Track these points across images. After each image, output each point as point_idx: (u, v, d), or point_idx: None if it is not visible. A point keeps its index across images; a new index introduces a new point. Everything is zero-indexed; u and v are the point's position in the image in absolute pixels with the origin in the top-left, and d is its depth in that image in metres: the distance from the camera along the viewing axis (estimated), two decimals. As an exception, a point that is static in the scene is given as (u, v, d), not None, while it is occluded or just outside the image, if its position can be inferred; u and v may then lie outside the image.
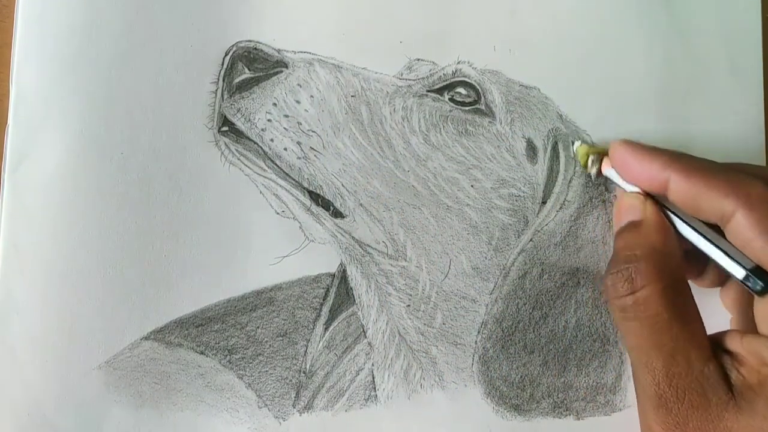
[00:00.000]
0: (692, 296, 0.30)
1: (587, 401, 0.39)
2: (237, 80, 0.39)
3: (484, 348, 0.39)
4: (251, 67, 0.39)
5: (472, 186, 0.39)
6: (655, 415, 0.29)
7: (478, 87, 0.40)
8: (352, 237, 0.39)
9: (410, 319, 0.39)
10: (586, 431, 0.39)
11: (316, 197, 0.39)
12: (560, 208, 0.40)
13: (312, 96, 0.39)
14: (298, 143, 0.39)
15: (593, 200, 0.40)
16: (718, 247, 0.30)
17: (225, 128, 0.39)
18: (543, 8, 0.41)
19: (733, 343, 0.29)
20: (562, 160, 0.40)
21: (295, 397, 0.38)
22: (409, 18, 0.40)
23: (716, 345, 0.30)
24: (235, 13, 0.40)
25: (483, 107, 0.40)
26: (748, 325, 0.31)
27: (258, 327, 0.39)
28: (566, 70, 0.41)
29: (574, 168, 0.40)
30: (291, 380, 0.38)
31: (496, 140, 0.40)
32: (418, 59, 0.40)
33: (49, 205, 0.38)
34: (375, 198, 0.39)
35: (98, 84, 0.38)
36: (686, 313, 0.29)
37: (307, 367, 0.39)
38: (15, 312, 0.37)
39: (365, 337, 0.39)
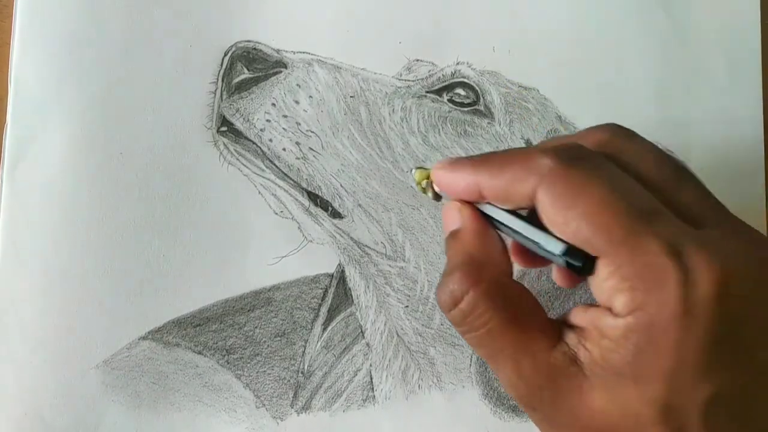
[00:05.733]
0: (526, 291, 0.28)
1: (585, 402, 0.39)
2: (236, 80, 0.39)
3: (482, 349, 0.39)
4: (250, 68, 0.39)
5: (470, 187, 0.39)
6: (530, 416, 0.28)
7: (477, 88, 0.40)
8: (351, 237, 0.39)
9: (408, 319, 0.39)
10: None
11: (314, 198, 0.39)
12: (559, 209, 0.40)
13: (311, 96, 0.39)
14: (297, 143, 0.39)
15: (592, 201, 0.40)
16: (529, 239, 0.27)
17: (224, 128, 0.39)
18: (542, 9, 0.41)
19: (578, 318, 0.27)
20: (561, 161, 0.40)
21: (293, 398, 0.38)
22: (408, 18, 0.40)
23: (565, 324, 0.27)
24: (234, 13, 0.40)
25: (482, 108, 0.40)
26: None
27: (256, 327, 0.39)
28: (565, 71, 0.41)
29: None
30: (289, 380, 0.38)
31: (495, 141, 0.40)
32: (417, 60, 0.40)
33: (48, 205, 0.38)
34: (373, 198, 0.39)
35: (97, 84, 0.38)
36: (520, 312, 0.27)
37: (305, 367, 0.39)
38: (13, 311, 0.37)
39: (363, 338, 0.39)
